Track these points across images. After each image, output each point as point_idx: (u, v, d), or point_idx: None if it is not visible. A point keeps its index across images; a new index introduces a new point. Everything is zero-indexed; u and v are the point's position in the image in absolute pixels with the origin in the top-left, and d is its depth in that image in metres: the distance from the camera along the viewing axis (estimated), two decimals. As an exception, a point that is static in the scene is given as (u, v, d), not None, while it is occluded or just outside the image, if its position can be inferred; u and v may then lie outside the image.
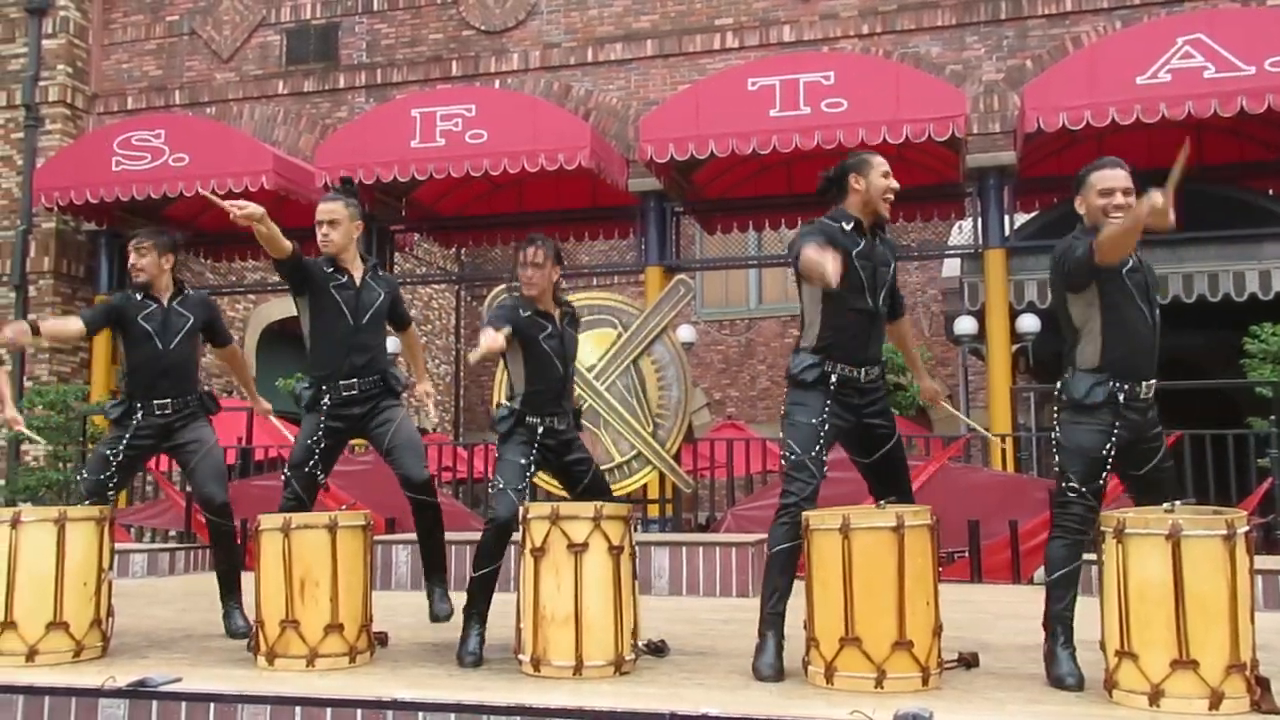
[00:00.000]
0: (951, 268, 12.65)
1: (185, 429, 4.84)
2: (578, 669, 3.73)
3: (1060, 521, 3.74)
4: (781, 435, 3.96)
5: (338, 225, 4.48)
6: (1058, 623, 3.71)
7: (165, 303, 4.87)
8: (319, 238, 4.50)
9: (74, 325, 4.77)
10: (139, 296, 4.83)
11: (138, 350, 4.81)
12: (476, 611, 4.18)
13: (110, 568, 4.37)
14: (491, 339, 4.04)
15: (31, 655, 4.05)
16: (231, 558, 4.99)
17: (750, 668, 3.77)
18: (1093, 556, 3.69)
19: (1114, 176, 3.68)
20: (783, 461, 3.92)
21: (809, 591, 3.65)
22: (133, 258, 4.80)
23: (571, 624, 3.75)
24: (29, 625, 4.07)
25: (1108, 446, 3.64)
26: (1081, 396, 3.65)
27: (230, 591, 4.94)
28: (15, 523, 4.16)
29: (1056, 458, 3.75)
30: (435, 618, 4.42)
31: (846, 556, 3.52)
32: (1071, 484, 3.68)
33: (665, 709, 3.16)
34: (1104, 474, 3.68)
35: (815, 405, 3.88)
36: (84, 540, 4.23)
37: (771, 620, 3.82)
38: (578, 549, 3.78)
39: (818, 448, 3.84)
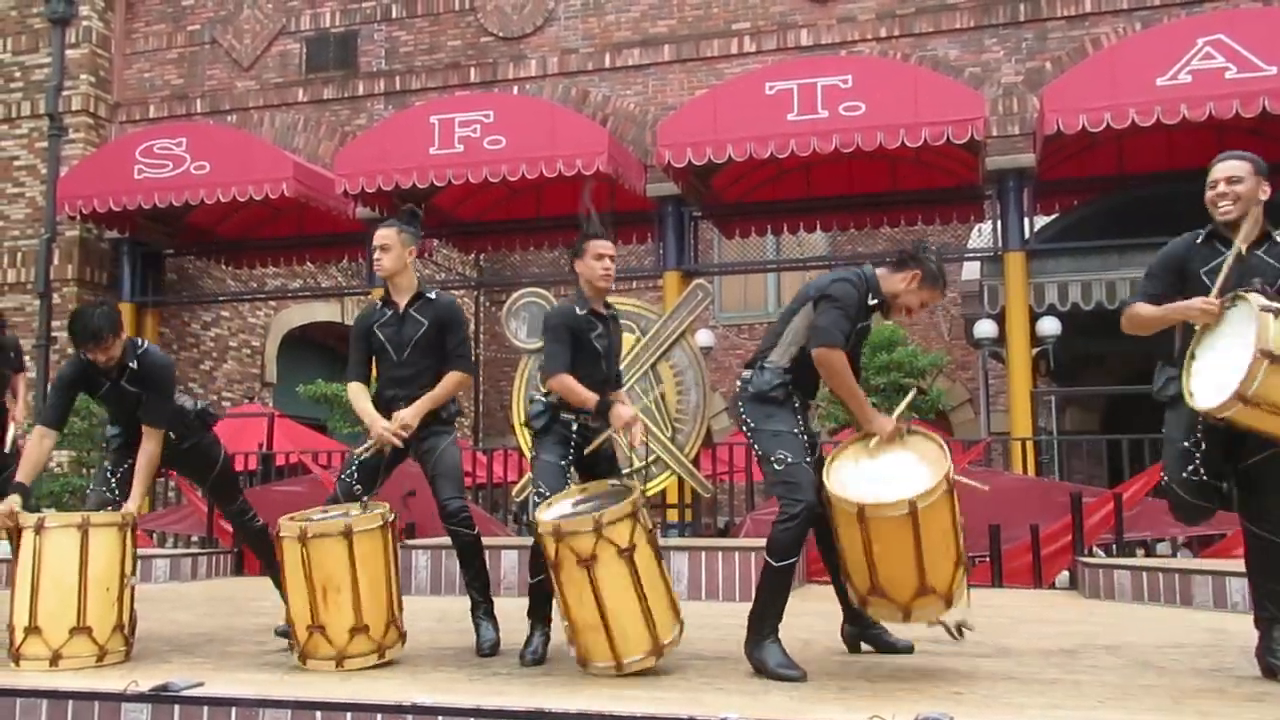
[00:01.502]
0: (971, 271, 12.60)
1: (190, 449, 4.90)
2: (618, 667, 3.81)
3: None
4: (760, 449, 3.99)
5: (389, 250, 4.54)
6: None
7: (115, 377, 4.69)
8: (375, 263, 4.61)
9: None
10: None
11: None
12: (538, 616, 4.26)
13: (133, 573, 4.41)
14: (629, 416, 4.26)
15: (55, 660, 4.09)
16: (265, 556, 5.08)
17: (770, 673, 3.79)
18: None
19: (1218, 169, 3.82)
20: (775, 470, 3.92)
21: (838, 546, 3.90)
22: (101, 357, 4.52)
23: (600, 629, 3.79)
24: (52, 630, 4.10)
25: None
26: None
27: (280, 585, 5.07)
28: (39, 528, 4.20)
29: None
30: (481, 649, 4.38)
31: (865, 540, 3.70)
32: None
33: (685, 714, 3.15)
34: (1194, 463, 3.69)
35: (788, 417, 4.00)
36: (107, 546, 4.26)
37: (775, 627, 3.91)
38: (587, 562, 3.79)
39: (808, 457, 3.96)
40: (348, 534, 4.06)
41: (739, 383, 4.15)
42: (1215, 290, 3.60)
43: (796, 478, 3.88)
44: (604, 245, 4.47)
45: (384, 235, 4.58)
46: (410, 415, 4.38)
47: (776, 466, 3.91)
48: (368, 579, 4.08)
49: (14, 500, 4.35)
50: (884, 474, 3.80)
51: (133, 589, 4.38)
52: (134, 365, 4.58)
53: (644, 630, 3.82)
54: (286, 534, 4.09)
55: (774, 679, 3.75)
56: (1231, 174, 3.76)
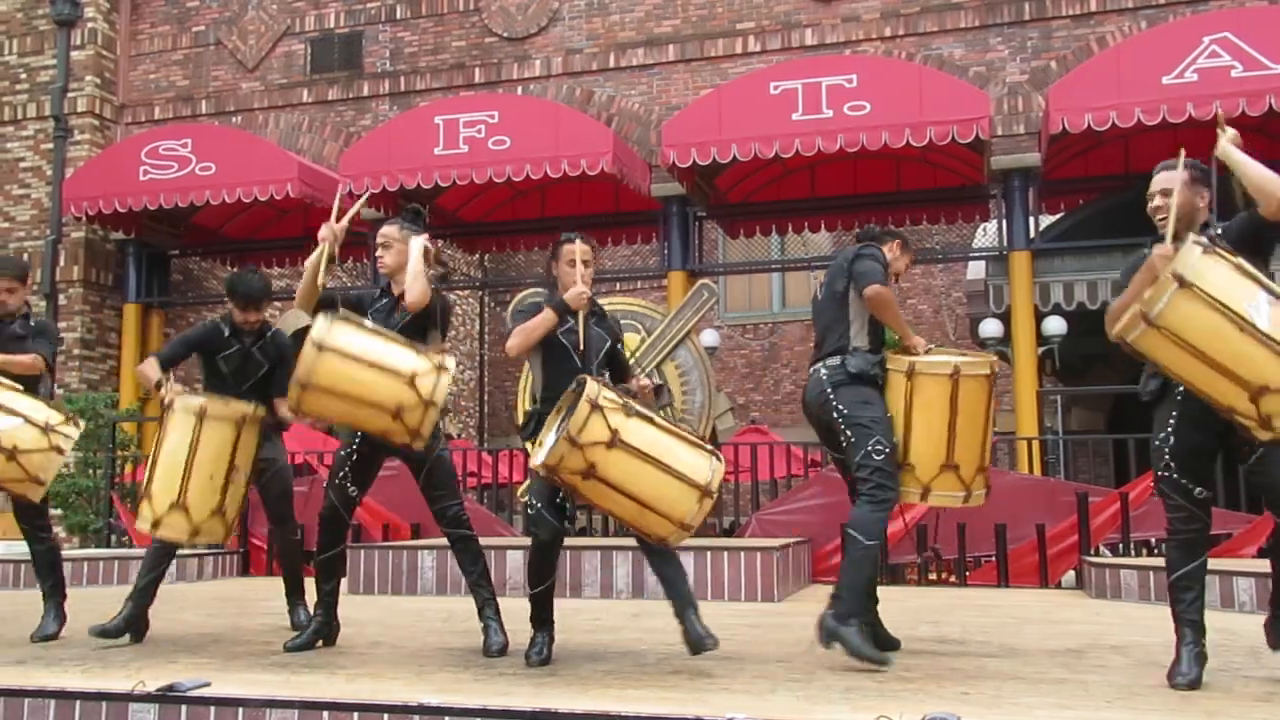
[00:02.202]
0: (976, 270, 12.58)
1: (260, 448, 5.06)
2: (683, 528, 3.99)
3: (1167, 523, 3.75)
4: (854, 436, 4.13)
5: (390, 247, 4.57)
6: (1182, 624, 3.65)
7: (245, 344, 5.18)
8: (378, 260, 4.63)
9: None
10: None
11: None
12: (541, 619, 4.25)
13: (246, 468, 4.79)
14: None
15: (156, 525, 4.65)
16: (293, 564, 5.33)
17: (851, 647, 3.89)
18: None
19: (1155, 180, 3.77)
20: (874, 458, 4.09)
21: (908, 429, 4.15)
22: (253, 318, 5.13)
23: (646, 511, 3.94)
24: (159, 499, 4.64)
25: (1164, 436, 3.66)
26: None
27: (294, 591, 5.27)
28: (168, 407, 4.71)
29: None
30: (488, 651, 4.36)
31: (952, 408, 4.12)
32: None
33: (691, 714, 3.15)
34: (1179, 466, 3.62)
35: (880, 400, 4.22)
36: (219, 437, 4.68)
37: (861, 607, 4.05)
38: (589, 473, 3.89)
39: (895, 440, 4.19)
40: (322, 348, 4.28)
41: (825, 371, 4.23)
42: (1169, 238, 3.55)
43: (891, 467, 4.11)
44: (577, 249, 4.35)
45: (387, 233, 4.60)
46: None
47: (876, 457, 4.08)
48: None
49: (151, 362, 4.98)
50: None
51: (245, 482, 4.79)
52: (269, 335, 5.09)
53: (682, 486, 3.85)
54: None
55: (853, 655, 3.89)
56: (1164, 186, 3.71)
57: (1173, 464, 3.63)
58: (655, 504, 3.85)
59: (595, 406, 3.78)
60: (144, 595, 4.88)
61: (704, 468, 3.88)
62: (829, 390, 4.19)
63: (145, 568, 4.96)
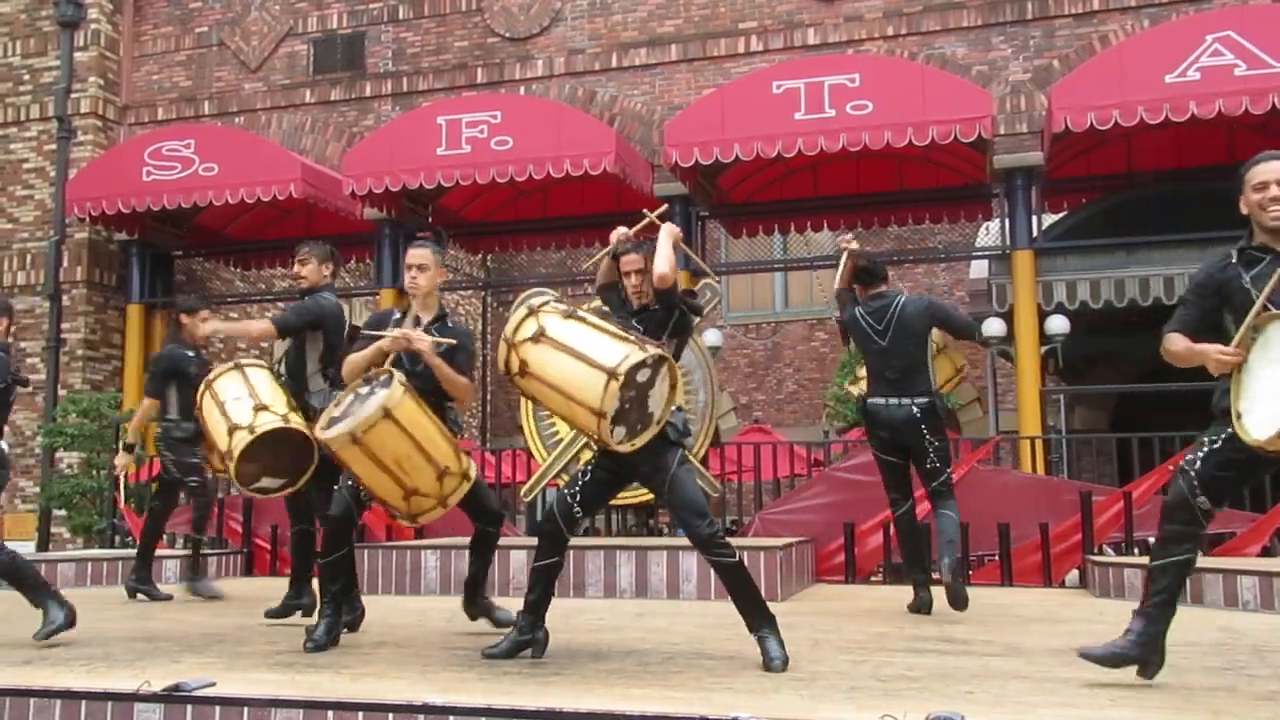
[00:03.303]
0: (979, 269, 12.57)
1: None
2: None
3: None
4: (939, 460, 5.55)
5: (425, 270, 4.73)
6: (1141, 610, 3.70)
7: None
8: (407, 280, 4.77)
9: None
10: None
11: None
12: (530, 605, 4.28)
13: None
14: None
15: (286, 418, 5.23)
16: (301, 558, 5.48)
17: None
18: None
19: (1267, 170, 3.59)
20: (949, 476, 5.65)
21: None
22: (295, 266, 5.66)
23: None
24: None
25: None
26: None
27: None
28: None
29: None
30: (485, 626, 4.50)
31: None
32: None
33: (696, 713, 3.15)
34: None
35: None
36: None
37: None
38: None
39: None
40: (389, 414, 4.29)
41: (917, 409, 5.48)
42: (1255, 308, 3.38)
43: None
44: (627, 261, 4.53)
45: (421, 255, 4.75)
46: (426, 340, 4.56)
47: (953, 478, 5.61)
48: (423, 435, 4.38)
49: None
50: None
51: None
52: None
53: (590, 369, 3.94)
54: (337, 443, 4.27)
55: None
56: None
57: (1199, 466, 3.53)
58: (570, 390, 3.97)
59: (531, 311, 4.13)
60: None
61: (618, 353, 3.96)
62: (924, 426, 5.47)
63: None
